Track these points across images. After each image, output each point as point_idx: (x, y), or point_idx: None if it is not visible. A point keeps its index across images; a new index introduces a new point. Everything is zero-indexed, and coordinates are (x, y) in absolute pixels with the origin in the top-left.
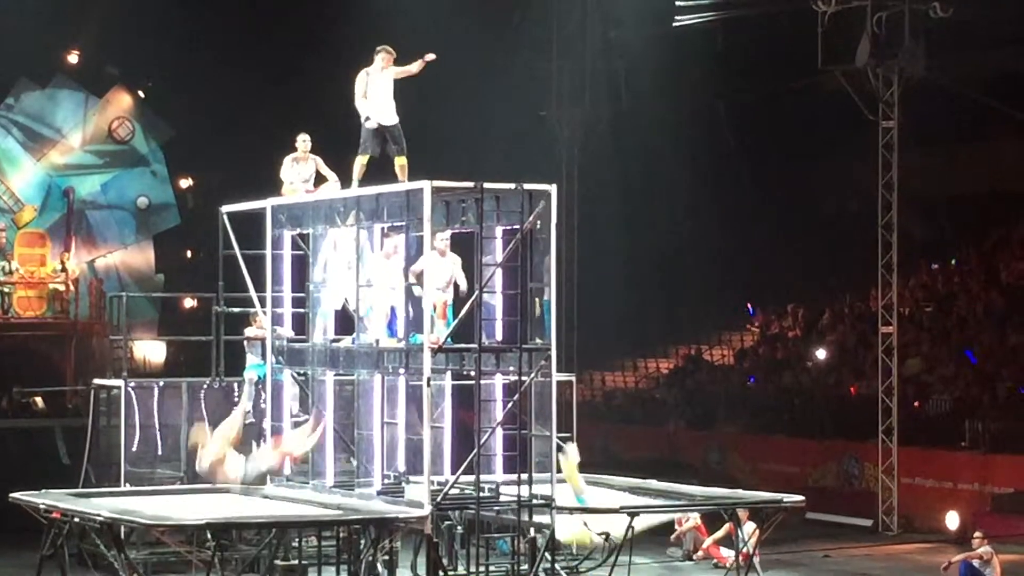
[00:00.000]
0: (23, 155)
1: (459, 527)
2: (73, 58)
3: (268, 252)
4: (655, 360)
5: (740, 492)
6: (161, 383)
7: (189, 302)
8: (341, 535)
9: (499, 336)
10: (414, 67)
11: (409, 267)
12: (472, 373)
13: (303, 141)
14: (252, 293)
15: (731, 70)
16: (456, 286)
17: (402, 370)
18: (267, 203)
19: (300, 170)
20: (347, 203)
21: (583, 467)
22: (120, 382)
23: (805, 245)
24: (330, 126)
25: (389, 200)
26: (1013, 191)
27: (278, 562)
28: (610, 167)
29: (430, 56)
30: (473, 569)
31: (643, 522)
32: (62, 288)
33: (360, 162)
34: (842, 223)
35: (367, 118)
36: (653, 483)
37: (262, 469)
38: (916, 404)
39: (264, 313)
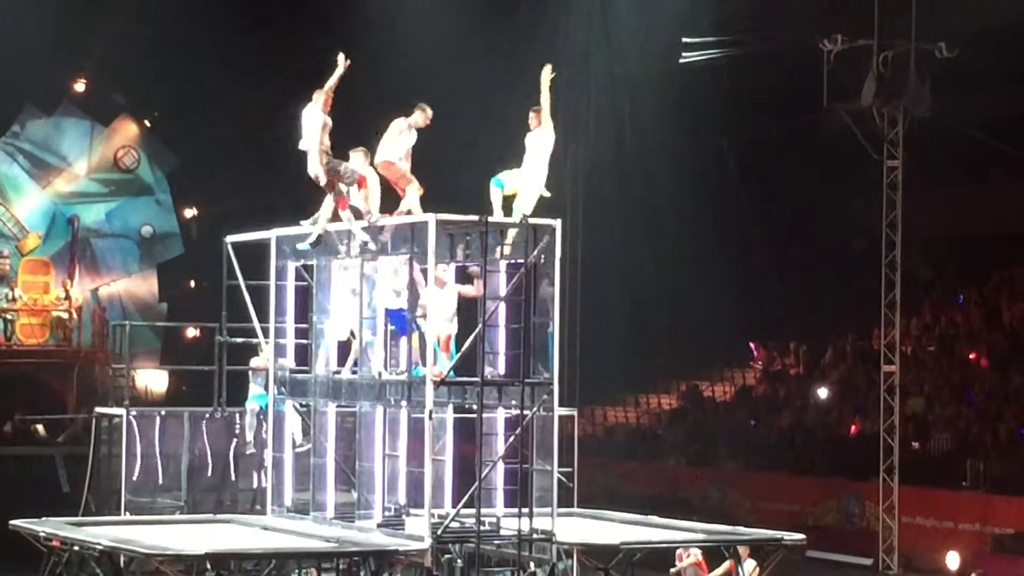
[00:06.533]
0: (28, 183)
1: (459, 560)
2: (79, 86)
3: (272, 283)
4: (656, 396)
5: (741, 529)
6: (163, 412)
7: (192, 332)
8: (341, 567)
9: (501, 370)
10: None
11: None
12: (474, 406)
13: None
14: (255, 323)
15: (736, 107)
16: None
17: (404, 403)
18: (271, 233)
19: None
20: (351, 235)
21: (584, 502)
22: (122, 411)
23: (808, 283)
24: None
25: (393, 233)
26: (1016, 232)
27: None
28: (614, 203)
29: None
30: None
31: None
32: (65, 316)
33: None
34: (845, 261)
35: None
36: (654, 519)
37: None
38: (916, 444)
39: (267, 343)
